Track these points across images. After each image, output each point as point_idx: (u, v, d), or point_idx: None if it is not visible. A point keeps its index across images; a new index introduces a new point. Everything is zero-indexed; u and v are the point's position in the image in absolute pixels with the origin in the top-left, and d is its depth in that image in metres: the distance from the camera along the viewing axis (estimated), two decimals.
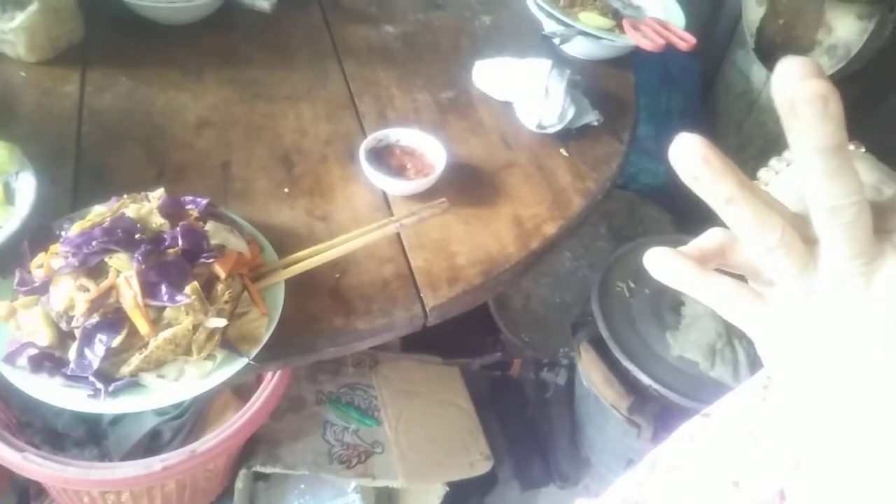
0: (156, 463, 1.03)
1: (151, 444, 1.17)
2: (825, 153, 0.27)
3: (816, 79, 0.26)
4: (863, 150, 0.48)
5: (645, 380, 1.28)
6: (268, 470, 1.25)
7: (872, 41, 1.28)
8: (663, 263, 0.33)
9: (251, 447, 1.27)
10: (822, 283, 0.31)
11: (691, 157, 0.28)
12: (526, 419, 1.67)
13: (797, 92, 0.26)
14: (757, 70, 1.63)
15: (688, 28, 1.19)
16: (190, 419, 1.19)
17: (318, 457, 1.29)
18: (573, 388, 1.65)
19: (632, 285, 1.39)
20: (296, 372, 1.40)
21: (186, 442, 1.11)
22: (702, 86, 1.87)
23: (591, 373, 1.41)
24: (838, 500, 0.32)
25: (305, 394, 1.37)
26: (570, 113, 1.03)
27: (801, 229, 0.30)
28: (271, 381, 1.17)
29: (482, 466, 1.37)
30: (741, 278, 0.35)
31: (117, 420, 1.19)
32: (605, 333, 1.34)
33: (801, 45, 1.41)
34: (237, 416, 1.12)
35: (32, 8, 0.97)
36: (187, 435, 1.18)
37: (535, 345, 1.72)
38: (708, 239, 0.35)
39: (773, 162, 0.54)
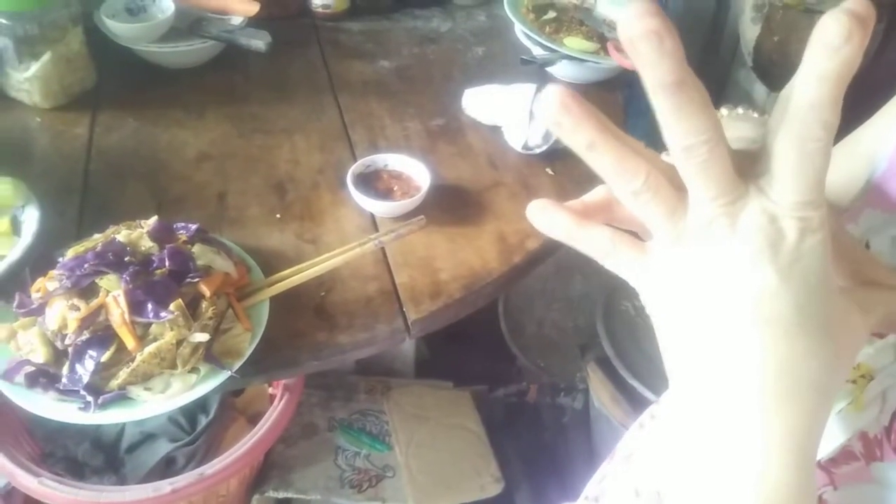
0: (165, 486, 1.07)
1: (166, 470, 1.21)
2: (667, 89, 0.28)
3: (652, 17, 0.27)
4: (755, 114, 0.51)
5: (651, 397, 1.28)
6: (280, 495, 1.28)
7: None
8: (542, 215, 0.34)
9: (264, 473, 1.30)
10: (690, 225, 0.31)
11: (552, 105, 0.29)
12: (542, 444, 1.67)
13: (634, 30, 0.27)
14: (758, 88, 1.64)
15: (688, 49, 1.21)
16: (203, 445, 1.23)
17: (329, 481, 1.31)
18: (589, 411, 1.65)
19: (637, 304, 1.40)
20: (308, 400, 1.43)
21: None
22: None
23: (599, 393, 1.41)
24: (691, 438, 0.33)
25: (318, 420, 1.40)
26: (555, 134, 1.06)
27: (673, 178, 0.31)
28: (279, 405, 1.20)
29: (493, 489, 1.37)
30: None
31: (133, 448, 1.24)
32: (610, 353, 1.35)
33: (796, 61, 1.41)
34: (246, 439, 1.15)
35: (46, 58, 1.04)
36: (200, 461, 1.21)
37: (550, 370, 1.73)
38: (592, 194, 0.36)
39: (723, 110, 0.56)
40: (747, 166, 0.31)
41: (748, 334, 0.30)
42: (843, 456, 0.40)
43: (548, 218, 0.34)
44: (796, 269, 0.30)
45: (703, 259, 0.31)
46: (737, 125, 0.54)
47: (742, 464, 0.31)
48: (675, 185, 0.31)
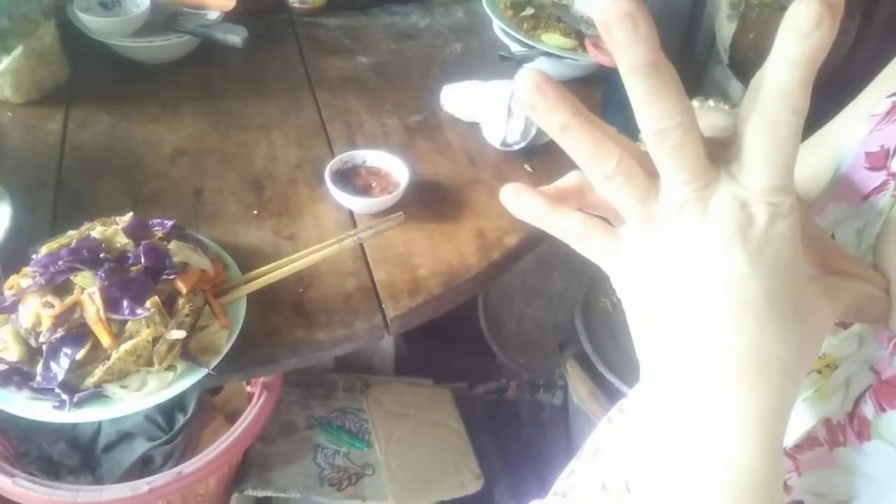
0: (142, 485, 1.06)
1: (143, 469, 1.20)
2: (640, 73, 0.28)
3: (627, 0, 0.27)
4: (725, 106, 0.51)
5: (627, 392, 1.28)
6: (259, 493, 1.27)
7: (835, 50, 1.30)
8: (516, 198, 0.34)
9: (243, 471, 1.29)
10: (662, 210, 0.31)
11: (526, 87, 0.29)
12: (522, 440, 1.68)
13: (609, 12, 0.27)
14: (734, 85, 1.66)
15: (665, 46, 1.22)
16: (181, 444, 1.22)
17: (309, 480, 1.31)
18: (568, 407, 1.66)
19: (615, 300, 1.41)
20: (287, 398, 1.42)
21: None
22: None
23: (578, 388, 1.42)
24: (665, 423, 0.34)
25: (297, 419, 1.40)
26: (533, 130, 1.07)
27: (646, 164, 0.31)
28: (257, 403, 1.20)
29: (473, 486, 1.38)
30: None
31: (110, 447, 1.22)
32: (588, 348, 1.36)
33: None
34: (224, 438, 1.14)
35: (17, 52, 1.03)
36: (178, 460, 1.20)
37: (530, 366, 1.74)
38: (566, 179, 0.36)
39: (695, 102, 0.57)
40: (718, 153, 0.31)
41: (719, 318, 0.31)
42: (808, 442, 0.41)
43: (521, 201, 0.34)
44: (766, 254, 0.30)
45: (673, 243, 0.31)
46: (708, 115, 0.55)
47: (711, 445, 0.31)
48: (648, 171, 0.31)
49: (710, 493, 0.32)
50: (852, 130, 0.49)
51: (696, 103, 0.57)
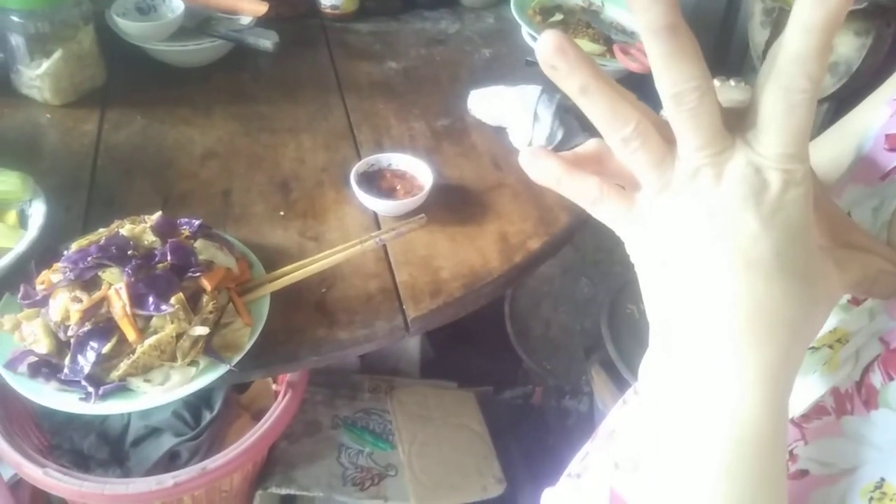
0: (168, 479, 1.08)
1: (170, 464, 1.22)
2: (659, 34, 0.28)
3: None
4: (743, 83, 0.52)
5: None
6: (283, 491, 1.29)
7: (871, 56, 1.28)
8: (534, 161, 0.35)
9: (268, 469, 1.31)
10: (677, 176, 0.32)
11: (548, 48, 0.30)
12: (546, 446, 1.67)
13: None
14: None
15: None
16: (207, 440, 1.24)
17: (332, 479, 1.32)
18: (594, 414, 1.65)
19: (641, 307, 1.40)
20: (313, 397, 1.44)
21: None
22: None
23: (603, 395, 1.41)
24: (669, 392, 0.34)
25: (321, 418, 1.41)
26: (559, 135, 1.07)
27: (664, 132, 0.32)
28: (282, 402, 1.21)
29: (495, 490, 1.38)
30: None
31: (138, 442, 1.25)
32: (613, 355, 1.35)
33: None
34: (249, 435, 1.16)
35: (57, 56, 1.06)
36: (204, 456, 1.23)
37: (556, 372, 1.73)
38: (584, 146, 0.37)
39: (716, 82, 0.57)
40: (734, 121, 0.31)
41: (727, 275, 0.31)
42: (815, 411, 0.41)
43: (539, 164, 0.34)
44: (778, 218, 0.30)
45: (687, 207, 0.32)
46: (729, 93, 0.55)
47: (716, 398, 0.32)
48: (665, 138, 0.32)
49: (713, 446, 0.32)
50: (875, 115, 0.49)
51: (717, 82, 0.57)
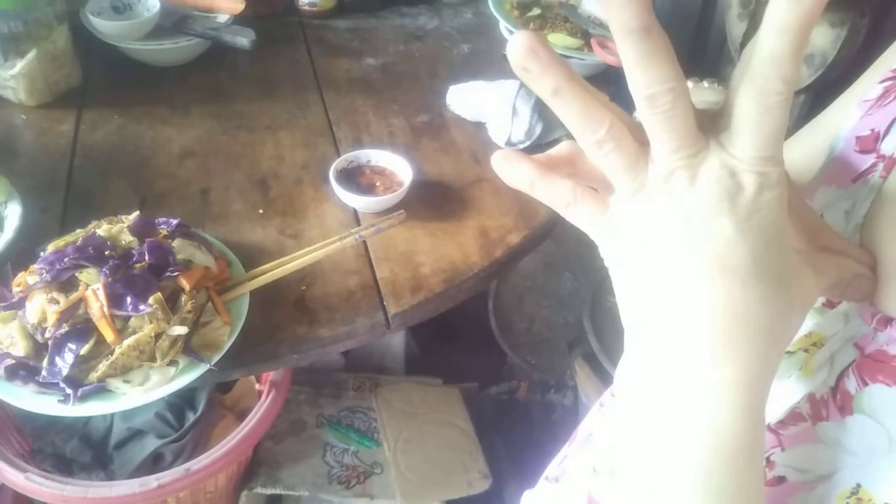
0: (151, 481, 1.07)
1: (154, 466, 1.22)
2: (633, 35, 0.28)
3: None
4: (718, 86, 0.52)
5: None
6: (268, 491, 1.28)
7: (846, 48, 1.29)
8: (507, 165, 0.34)
9: (252, 469, 1.31)
10: (651, 179, 0.31)
11: (519, 49, 0.29)
12: (532, 441, 1.68)
13: None
14: None
15: (675, 46, 1.22)
16: (191, 442, 1.23)
17: (317, 478, 1.32)
18: (578, 408, 1.66)
19: None
20: (297, 397, 1.44)
21: None
22: None
23: (586, 388, 1.42)
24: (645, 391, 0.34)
25: (306, 417, 1.41)
26: (538, 129, 1.07)
27: (637, 134, 0.31)
28: (266, 401, 1.21)
29: (481, 485, 1.38)
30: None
31: (121, 444, 1.24)
32: (596, 348, 1.35)
33: None
34: (232, 435, 1.16)
35: (31, 56, 1.05)
36: (188, 457, 1.22)
37: (540, 367, 1.73)
38: (557, 149, 0.36)
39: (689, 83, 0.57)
40: (709, 123, 0.31)
41: (703, 281, 0.31)
42: (791, 418, 0.41)
43: (513, 168, 0.34)
44: (754, 221, 0.30)
45: (661, 211, 0.31)
46: (702, 94, 0.55)
47: (692, 406, 0.32)
48: (639, 141, 0.31)
49: (690, 454, 0.32)
50: (846, 116, 0.49)
51: (690, 84, 0.57)
